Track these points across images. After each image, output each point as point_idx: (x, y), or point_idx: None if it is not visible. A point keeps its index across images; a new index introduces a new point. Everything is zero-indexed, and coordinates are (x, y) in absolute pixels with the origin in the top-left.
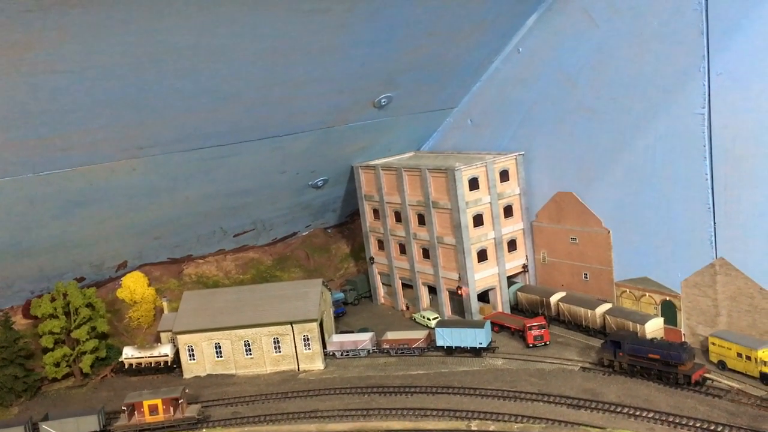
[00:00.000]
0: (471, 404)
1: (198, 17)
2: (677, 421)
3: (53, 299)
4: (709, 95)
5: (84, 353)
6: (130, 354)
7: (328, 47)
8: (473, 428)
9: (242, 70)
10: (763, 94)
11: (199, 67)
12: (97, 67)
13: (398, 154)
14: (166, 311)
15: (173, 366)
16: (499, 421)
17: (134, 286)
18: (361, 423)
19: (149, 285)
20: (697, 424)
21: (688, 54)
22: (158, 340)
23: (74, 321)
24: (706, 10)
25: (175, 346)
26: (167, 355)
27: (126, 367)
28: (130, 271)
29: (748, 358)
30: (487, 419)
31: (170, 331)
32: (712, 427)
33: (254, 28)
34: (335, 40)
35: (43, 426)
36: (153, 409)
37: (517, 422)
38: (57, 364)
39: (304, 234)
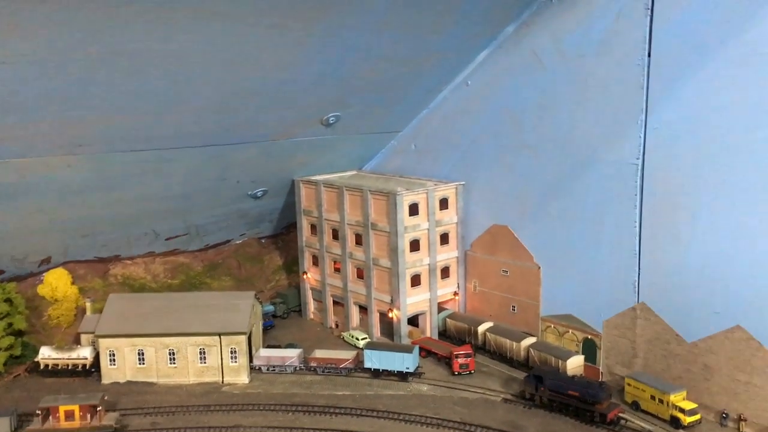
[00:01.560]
0: (395, 429)
1: (156, 21)
2: None
3: None
4: (644, 147)
5: None
6: (46, 354)
7: (282, 63)
8: None
9: (194, 77)
10: (694, 151)
11: (150, 70)
12: (43, 61)
13: (340, 171)
14: (88, 312)
15: (91, 370)
16: None
17: (56, 283)
18: None
19: (72, 283)
20: None
21: (628, 106)
22: (78, 341)
23: None
24: (648, 67)
25: (95, 349)
26: (86, 358)
27: (41, 367)
28: (53, 268)
29: (660, 401)
30: None
31: (92, 333)
32: None
33: (211, 37)
34: (290, 57)
35: None
36: (69, 415)
37: None
38: None
39: (237, 242)
